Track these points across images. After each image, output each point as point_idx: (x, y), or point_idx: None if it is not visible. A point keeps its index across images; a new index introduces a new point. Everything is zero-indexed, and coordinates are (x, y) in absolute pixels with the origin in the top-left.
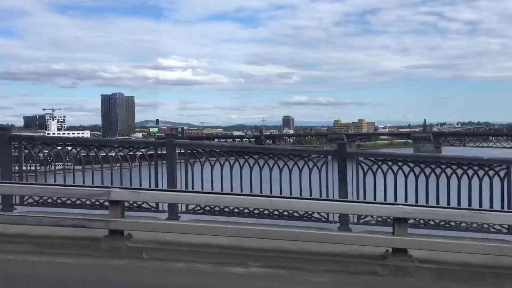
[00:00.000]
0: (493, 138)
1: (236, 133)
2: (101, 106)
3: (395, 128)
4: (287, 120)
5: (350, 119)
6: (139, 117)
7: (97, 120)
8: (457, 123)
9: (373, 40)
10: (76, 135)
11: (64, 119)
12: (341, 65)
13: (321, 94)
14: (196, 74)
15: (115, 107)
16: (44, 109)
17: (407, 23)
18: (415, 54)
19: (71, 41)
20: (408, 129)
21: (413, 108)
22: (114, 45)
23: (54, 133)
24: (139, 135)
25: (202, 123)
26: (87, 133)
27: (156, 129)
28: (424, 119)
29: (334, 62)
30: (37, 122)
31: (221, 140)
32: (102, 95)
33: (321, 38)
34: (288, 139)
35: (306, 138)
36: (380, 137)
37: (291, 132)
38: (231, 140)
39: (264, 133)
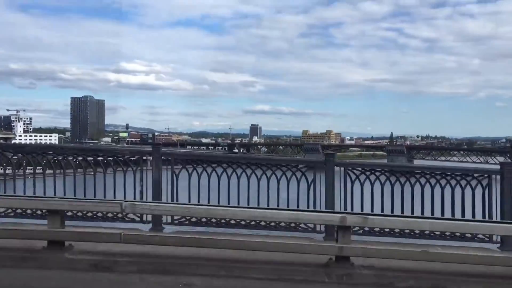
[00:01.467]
0: (455, 152)
1: (204, 140)
2: (71, 108)
3: (360, 140)
4: (254, 129)
5: (313, 129)
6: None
7: (57, 122)
8: (417, 137)
9: (336, 52)
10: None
11: (30, 121)
12: (304, 76)
13: (284, 104)
14: (160, 79)
15: (85, 110)
16: (8, 110)
17: (368, 38)
18: (376, 68)
19: (30, 40)
20: (373, 141)
21: (373, 121)
22: (75, 46)
23: (21, 135)
24: (108, 139)
25: (168, 128)
26: (55, 136)
27: (125, 134)
28: (391, 132)
29: (297, 72)
30: (1, 123)
31: (194, 147)
32: (72, 98)
33: (286, 48)
34: (262, 148)
35: (280, 147)
36: (350, 148)
37: (259, 140)
38: (205, 147)
39: (235, 141)
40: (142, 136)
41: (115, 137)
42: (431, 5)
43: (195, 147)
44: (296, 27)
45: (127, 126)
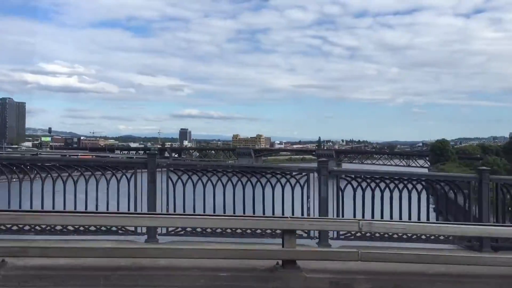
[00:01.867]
0: (377, 156)
1: (132, 145)
2: None
3: (289, 144)
4: (184, 133)
5: (243, 133)
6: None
7: None
8: (342, 141)
9: (263, 58)
10: None
11: None
12: (233, 81)
13: (213, 108)
14: (83, 82)
15: (3, 113)
16: None
17: (295, 45)
18: (302, 74)
19: None
20: (301, 146)
21: (300, 125)
22: None
23: None
24: (29, 144)
25: (93, 132)
26: None
27: (48, 139)
28: (319, 137)
29: (226, 77)
30: None
31: (123, 152)
32: None
33: (214, 53)
34: (194, 153)
35: (212, 152)
36: (280, 152)
37: (190, 145)
38: (135, 152)
39: (166, 146)
40: (66, 140)
41: (36, 142)
42: (354, 15)
43: (124, 152)
44: (224, 32)
45: (49, 130)
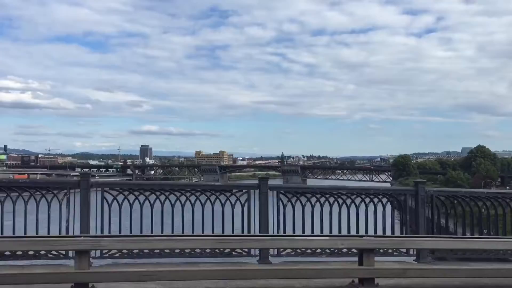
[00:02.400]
0: (340, 171)
1: (92, 162)
2: None
3: (252, 160)
4: (145, 150)
5: (204, 149)
6: None
7: None
8: (303, 156)
9: (223, 74)
10: None
11: None
12: (192, 97)
13: (172, 124)
14: (37, 97)
15: None
16: None
17: (254, 61)
18: (261, 91)
19: None
20: (263, 162)
21: (260, 141)
22: None
23: None
24: None
25: (49, 150)
26: None
27: (4, 157)
28: (282, 153)
29: (185, 93)
30: None
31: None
32: None
33: (173, 69)
34: (157, 170)
35: (176, 168)
36: (244, 169)
37: (152, 161)
38: (96, 169)
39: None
40: (23, 158)
41: None
42: (312, 33)
43: (84, 169)
44: (183, 48)
45: (5, 148)
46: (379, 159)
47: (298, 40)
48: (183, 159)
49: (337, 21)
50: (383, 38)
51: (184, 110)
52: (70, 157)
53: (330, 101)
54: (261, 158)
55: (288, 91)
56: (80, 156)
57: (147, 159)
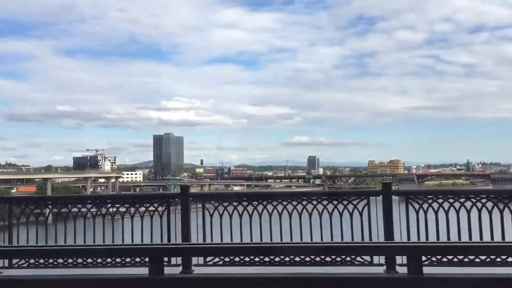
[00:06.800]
0: None
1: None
2: (153, 146)
3: (427, 168)
4: (312, 160)
5: (356, 159)
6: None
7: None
8: (479, 162)
9: (372, 82)
10: None
11: (115, 159)
12: (341, 106)
13: (321, 135)
14: (200, 115)
15: (167, 148)
16: (88, 150)
17: (404, 66)
18: (414, 96)
19: (76, 83)
20: (448, 170)
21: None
22: (118, 87)
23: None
24: (185, 175)
25: (222, 163)
26: (139, 173)
27: (201, 170)
28: (467, 160)
29: (334, 103)
30: (88, 162)
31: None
32: (154, 136)
33: (321, 80)
34: (349, 179)
35: (364, 178)
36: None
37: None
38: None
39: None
40: (217, 171)
41: (191, 173)
42: (468, 31)
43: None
44: (330, 59)
45: (201, 162)
46: None
47: (453, 40)
48: (348, 168)
49: (498, 16)
50: None
51: (333, 120)
52: (252, 170)
53: (495, 102)
54: (434, 167)
55: (444, 95)
56: (257, 168)
57: (314, 170)
